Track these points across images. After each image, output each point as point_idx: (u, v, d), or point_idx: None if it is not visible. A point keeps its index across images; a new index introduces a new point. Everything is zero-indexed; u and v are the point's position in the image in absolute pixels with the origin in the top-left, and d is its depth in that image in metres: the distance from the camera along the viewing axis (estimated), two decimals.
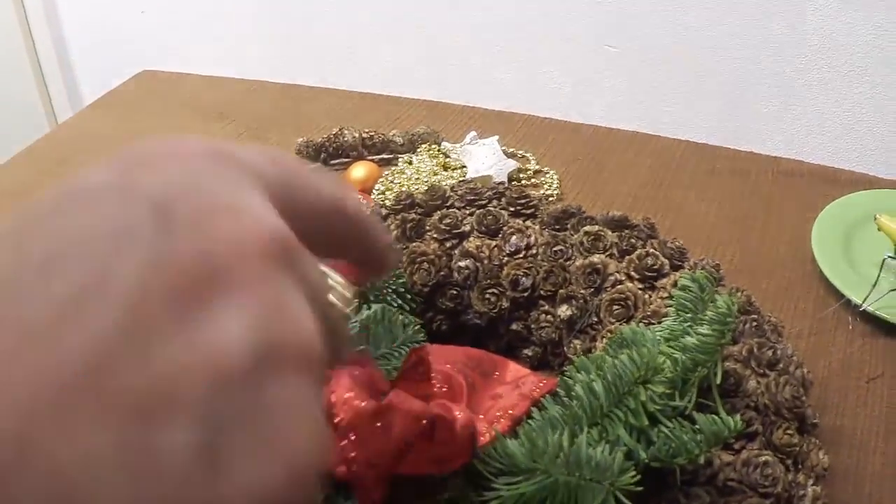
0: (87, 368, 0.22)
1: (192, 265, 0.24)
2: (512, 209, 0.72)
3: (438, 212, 0.73)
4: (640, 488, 0.42)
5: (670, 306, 0.56)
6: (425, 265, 0.69)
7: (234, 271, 0.25)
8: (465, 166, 1.00)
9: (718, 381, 0.48)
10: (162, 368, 0.23)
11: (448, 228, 0.71)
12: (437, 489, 0.44)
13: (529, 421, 0.48)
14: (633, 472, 0.42)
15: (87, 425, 0.22)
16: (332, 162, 1.04)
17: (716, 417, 0.45)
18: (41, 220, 0.24)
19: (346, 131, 1.05)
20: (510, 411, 0.48)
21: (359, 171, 0.98)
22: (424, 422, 0.42)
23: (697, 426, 0.45)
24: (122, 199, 0.25)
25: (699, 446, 0.44)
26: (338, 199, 0.33)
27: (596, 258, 0.67)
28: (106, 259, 0.23)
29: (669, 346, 0.50)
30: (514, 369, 0.52)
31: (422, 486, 0.44)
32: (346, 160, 1.04)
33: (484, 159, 0.98)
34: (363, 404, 0.41)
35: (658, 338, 0.52)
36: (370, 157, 1.04)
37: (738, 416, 0.45)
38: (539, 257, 0.69)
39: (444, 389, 0.47)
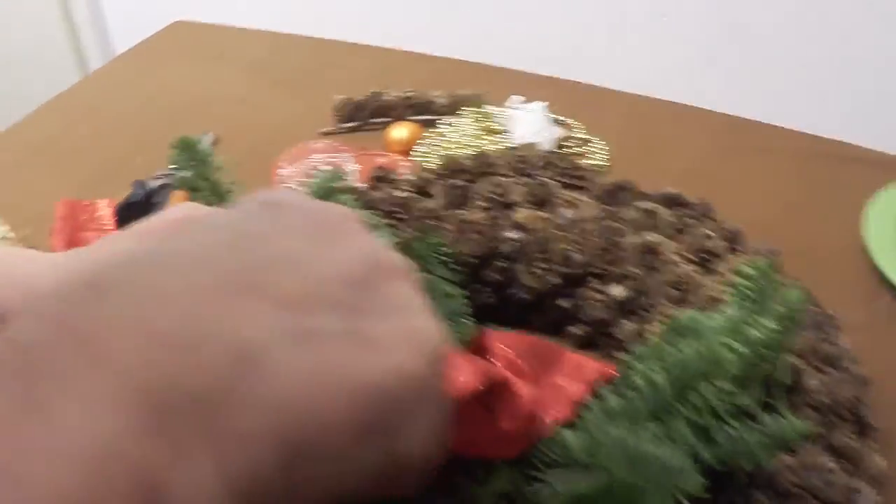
0: (255, 276, 0.30)
1: (315, 222, 0.34)
2: (563, 180, 0.70)
3: (486, 179, 0.70)
4: (707, 495, 0.39)
5: (728, 293, 0.53)
6: (474, 235, 0.66)
7: (342, 226, 0.35)
8: (509, 131, 0.97)
9: (788, 380, 0.46)
10: (310, 279, 0.31)
11: (496, 197, 0.68)
12: (485, 478, 0.42)
13: (587, 411, 0.45)
14: (696, 476, 0.40)
15: (262, 312, 0.28)
16: (372, 120, 1.02)
17: (782, 419, 0.43)
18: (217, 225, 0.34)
19: (387, 91, 1.02)
20: (573, 398, 0.45)
21: (400, 131, 0.96)
22: (482, 387, 0.39)
23: (763, 427, 0.42)
24: (253, 201, 0.36)
25: (765, 449, 0.42)
26: None
27: (651, 236, 0.64)
28: (256, 225, 0.33)
29: (731, 338, 0.47)
30: (572, 357, 0.49)
31: (468, 472, 0.42)
32: (387, 120, 1.01)
33: (529, 125, 0.95)
34: None
35: (719, 327, 0.49)
36: (411, 118, 1.01)
37: (805, 419, 0.43)
38: (591, 232, 0.66)
39: (512, 370, 0.44)
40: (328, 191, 0.63)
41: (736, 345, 0.46)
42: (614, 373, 0.47)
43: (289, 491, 0.28)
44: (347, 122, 1.02)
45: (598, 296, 0.65)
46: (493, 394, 0.39)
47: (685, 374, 0.44)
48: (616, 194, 0.68)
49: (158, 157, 0.95)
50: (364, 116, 1.01)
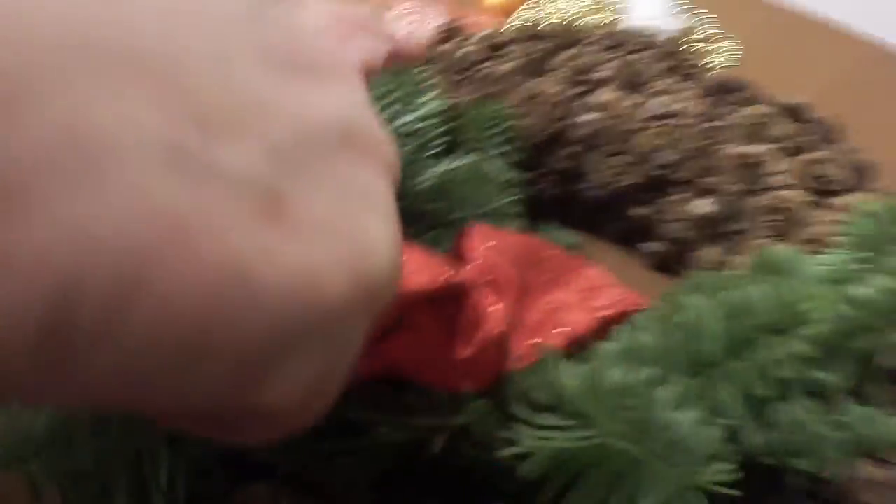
0: (168, 62, 0.19)
1: (303, 45, 0.24)
2: (665, 64, 0.56)
3: (572, 48, 0.57)
4: (735, 492, 0.28)
5: (841, 235, 0.40)
6: (542, 109, 0.54)
7: (334, 66, 0.24)
8: (627, 11, 0.83)
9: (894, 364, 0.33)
10: (246, 99, 0.20)
11: (580, 70, 0.55)
12: (448, 410, 0.31)
13: (604, 345, 0.34)
14: (729, 465, 0.28)
15: (140, 103, 0.18)
16: None
17: (875, 414, 0.30)
18: None
19: None
20: (570, 328, 0.34)
21: None
22: (431, 289, 0.29)
23: (845, 419, 0.30)
24: None
25: (842, 450, 0.29)
26: None
27: (756, 149, 0.51)
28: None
29: (829, 290, 0.35)
30: (591, 276, 0.38)
31: (430, 404, 0.31)
32: None
33: (651, 6, 0.81)
34: None
35: (819, 273, 0.36)
36: None
37: None
38: (686, 132, 0.53)
39: (489, 279, 0.33)
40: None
41: (833, 298, 0.34)
42: (638, 303, 0.35)
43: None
44: None
45: (681, 209, 0.53)
46: (446, 302, 0.28)
47: (751, 323, 0.32)
48: (726, 92, 0.55)
49: None
50: None
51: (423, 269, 0.28)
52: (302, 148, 0.21)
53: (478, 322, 0.30)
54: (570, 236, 0.56)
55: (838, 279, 0.36)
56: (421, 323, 0.29)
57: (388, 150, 0.25)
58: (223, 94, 0.20)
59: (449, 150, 0.52)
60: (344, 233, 0.21)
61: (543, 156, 0.55)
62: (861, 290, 0.34)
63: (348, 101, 0.24)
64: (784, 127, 0.53)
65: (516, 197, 0.52)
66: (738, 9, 0.87)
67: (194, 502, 0.30)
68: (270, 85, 0.21)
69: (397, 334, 0.29)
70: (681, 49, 0.57)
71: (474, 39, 0.60)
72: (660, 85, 0.54)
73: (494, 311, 0.30)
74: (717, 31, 0.83)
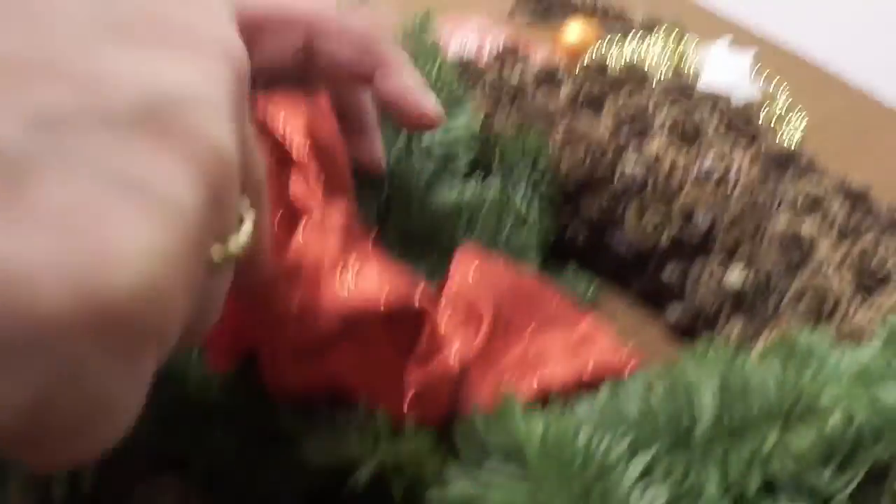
0: None
1: (152, 7, 0.20)
2: (725, 125, 0.52)
3: (632, 89, 0.54)
4: None
5: (880, 333, 0.36)
6: (583, 150, 0.51)
7: (188, 39, 0.20)
8: (698, 74, 0.79)
9: None
10: (37, 53, 0.18)
11: (632, 115, 0.52)
12: (383, 438, 0.27)
13: (583, 403, 0.30)
14: None
15: None
16: (552, 19, 0.86)
17: None
18: None
19: None
20: (547, 378, 0.30)
21: (574, 31, 0.79)
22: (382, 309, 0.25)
23: None
24: None
25: None
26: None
27: (806, 227, 0.47)
28: None
29: (853, 389, 0.30)
30: (586, 327, 0.34)
31: (364, 428, 0.27)
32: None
33: (726, 72, 0.77)
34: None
35: (844, 368, 0.32)
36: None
37: None
38: (734, 197, 0.49)
39: (462, 308, 0.29)
40: (416, 35, 0.49)
41: (853, 397, 0.29)
42: (633, 366, 0.32)
43: None
44: (527, 8, 0.86)
45: (713, 277, 0.48)
46: (405, 322, 0.25)
47: (747, 408, 0.27)
48: (786, 163, 0.51)
49: None
50: (543, 10, 0.86)
51: (376, 283, 0.25)
52: (82, 123, 0.17)
53: (435, 351, 0.26)
54: (587, 284, 0.51)
55: (863, 376, 0.32)
56: (368, 338, 0.26)
57: (208, 145, 0.20)
58: (4, 48, 0.17)
59: (476, 174, 0.49)
60: (81, 232, 0.17)
61: (578, 199, 0.52)
62: (889, 397, 0.29)
63: (180, 80, 0.20)
64: (840, 208, 0.48)
65: (538, 235, 0.48)
66: (813, 84, 0.83)
67: (100, 491, 0.27)
68: (82, 46, 0.18)
69: (338, 346, 0.25)
70: (746, 112, 0.53)
71: (530, 65, 0.56)
72: (716, 142, 0.50)
73: (456, 343, 0.27)
74: (789, 102, 0.79)
